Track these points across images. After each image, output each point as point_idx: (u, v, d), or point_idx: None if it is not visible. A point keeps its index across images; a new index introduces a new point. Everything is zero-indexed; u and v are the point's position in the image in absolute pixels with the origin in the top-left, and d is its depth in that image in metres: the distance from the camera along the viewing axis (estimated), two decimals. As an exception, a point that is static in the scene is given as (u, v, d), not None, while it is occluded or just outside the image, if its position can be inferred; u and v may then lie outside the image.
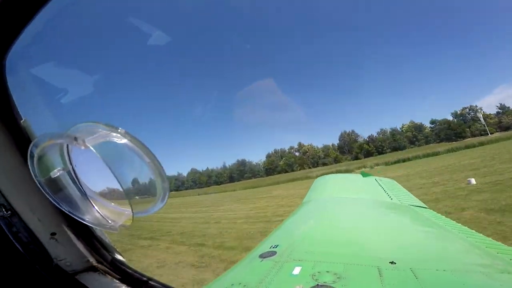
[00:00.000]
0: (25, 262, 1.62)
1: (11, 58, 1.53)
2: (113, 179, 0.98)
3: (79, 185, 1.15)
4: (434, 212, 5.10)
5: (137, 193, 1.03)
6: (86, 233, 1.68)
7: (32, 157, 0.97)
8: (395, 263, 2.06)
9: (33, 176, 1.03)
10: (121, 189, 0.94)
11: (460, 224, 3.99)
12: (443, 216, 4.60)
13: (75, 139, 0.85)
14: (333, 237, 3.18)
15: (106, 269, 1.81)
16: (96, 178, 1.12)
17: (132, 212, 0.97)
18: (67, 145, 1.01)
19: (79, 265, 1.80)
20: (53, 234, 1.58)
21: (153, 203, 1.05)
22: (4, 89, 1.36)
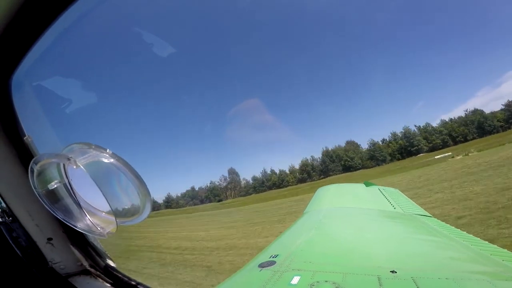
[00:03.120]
0: (23, 264, 1.76)
1: (17, 78, 1.69)
2: (104, 193, 1.13)
3: (73, 196, 1.30)
4: (439, 221, 5.09)
5: (122, 205, 1.18)
6: (80, 239, 1.82)
7: (32, 171, 1.12)
8: (396, 272, 2.05)
9: (33, 188, 1.18)
10: (108, 201, 1.09)
11: (465, 232, 3.98)
12: (448, 225, 4.60)
13: (68, 159, 1.00)
14: (333, 246, 3.23)
15: (98, 273, 1.93)
16: (88, 191, 1.27)
17: (116, 222, 1.12)
18: (64, 164, 1.16)
19: (73, 268, 1.93)
20: (49, 239, 1.72)
21: (137, 214, 1.19)
22: (10, 107, 1.52)
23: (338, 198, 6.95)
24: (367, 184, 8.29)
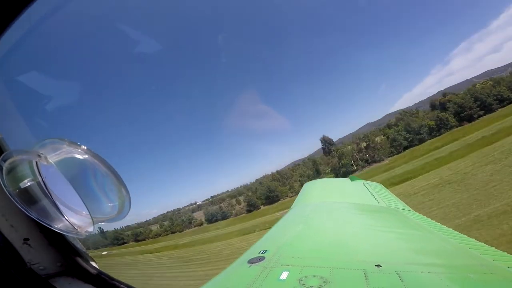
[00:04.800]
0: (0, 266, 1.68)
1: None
2: (79, 190, 1.09)
3: (48, 195, 1.24)
4: (420, 214, 5.27)
5: (99, 203, 1.14)
6: (59, 239, 1.75)
7: (1, 169, 1.07)
8: (380, 266, 2.14)
9: (3, 187, 1.12)
10: (83, 200, 1.05)
11: (445, 226, 4.14)
12: (428, 219, 4.76)
13: (39, 155, 0.95)
14: (320, 241, 3.28)
15: (79, 273, 1.88)
16: (63, 189, 1.22)
17: (93, 221, 1.08)
18: (36, 161, 1.11)
19: (53, 269, 1.87)
20: (26, 239, 1.65)
21: (115, 213, 1.16)
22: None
23: (325, 192, 7.07)
24: (352, 179, 8.47)
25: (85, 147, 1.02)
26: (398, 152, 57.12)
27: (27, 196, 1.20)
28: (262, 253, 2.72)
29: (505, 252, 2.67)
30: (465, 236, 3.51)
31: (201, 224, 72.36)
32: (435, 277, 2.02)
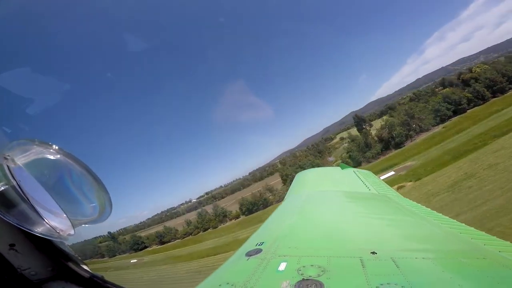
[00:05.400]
0: None
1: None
2: (54, 193, 1.03)
3: (26, 199, 1.19)
4: (410, 200, 5.33)
5: (79, 205, 1.09)
6: (45, 243, 1.70)
7: (-31, 175, 1.01)
8: (376, 253, 2.15)
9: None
10: (57, 202, 0.99)
11: (435, 211, 4.19)
12: (419, 204, 4.81)
13: (6, 158, 0.89)
14: (315, 231, 3.29)
15: (71, 277, 1.84)
16: (41, 192, 1.16)
17: (72, 224, 1.03)
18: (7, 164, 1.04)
19: (44, 273, 1.82)
20: (12, 245, 1.60)
21: (97, 214, 1.10)
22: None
23: (317, 182, 7.11)
24: (343, 167, 8.53)
25: (57, 147, 0.96)
26: (443, 121, 59.01)
27: (3, 201, 1.14)
28: (259, 245, 2.72)
29: (495, 237, 2.72)
30: (455, 220, 3.56)
31: (237, 216, 63.76)
32: (429, 262, 2.03)
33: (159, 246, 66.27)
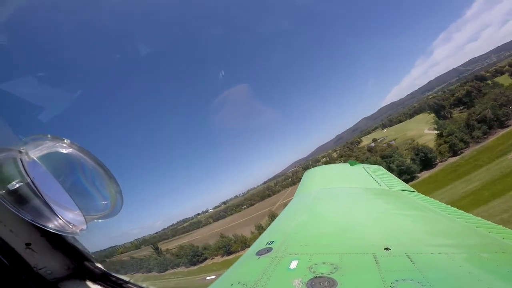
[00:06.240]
0: (6, 272, 1.67)
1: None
2: (67, 187, 1.04)
3: (39, 195, 1.20)
4: (423, 195, 5.18)
5: (92, 199, 1.09)
6: (61, 241, 1.73)
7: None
8: (389, 249, 2.10)
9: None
10: (71, 196, 1.00)
11: (449, 206, 4.06)
12: (432, 199, 4.67)
13: (20, 152, 0.91)
14: (326, 228, 3.23)
15: (86, 275, 1.86)
16: (55, 188, 1.18)
17: (85, 218, 1.03)
18: (21, 159, 1.06)
19: (60, 272, 1.85)
20: (28, 244, 1.63)
21: (109, 209, 1.11)
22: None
23: (326, 179, 7.00)
24: (352, 163, 8.36)
25: (69, 141, 0.97)
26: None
27: (18, 198, 1.16)
28: (269, 244, 2.69)
29: None
30: (471, 215, 3.43)
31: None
32: (447, 257, 1.96)
33: (225, 258, 54.00)
